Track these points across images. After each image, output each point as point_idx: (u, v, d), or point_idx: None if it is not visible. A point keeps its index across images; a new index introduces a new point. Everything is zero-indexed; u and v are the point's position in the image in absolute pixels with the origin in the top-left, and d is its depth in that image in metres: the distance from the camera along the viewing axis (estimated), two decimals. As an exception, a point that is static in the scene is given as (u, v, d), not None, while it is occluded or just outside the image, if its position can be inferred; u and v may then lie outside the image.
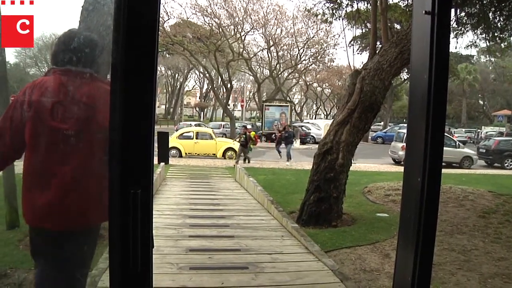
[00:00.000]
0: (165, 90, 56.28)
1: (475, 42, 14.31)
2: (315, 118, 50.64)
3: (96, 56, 2.18)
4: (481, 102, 55.40)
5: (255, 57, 33.21)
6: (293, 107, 35.79)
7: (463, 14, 10.19)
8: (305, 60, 32.88)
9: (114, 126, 1.39)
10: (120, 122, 1.38)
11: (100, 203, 2.15)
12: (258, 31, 29.47)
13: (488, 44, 12.36)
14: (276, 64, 32.82)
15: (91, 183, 2.10)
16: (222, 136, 25.06)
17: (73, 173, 2.04)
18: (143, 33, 1.37)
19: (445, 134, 20.71)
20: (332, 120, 7.89)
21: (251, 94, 52.35)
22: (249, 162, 16.55)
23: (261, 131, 29.20)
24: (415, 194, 1.70)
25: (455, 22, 9.99)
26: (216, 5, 26.37)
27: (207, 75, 35.87)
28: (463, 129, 38.59)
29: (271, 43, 30.38)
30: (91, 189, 2.11)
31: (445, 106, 1.65)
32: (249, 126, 24.05)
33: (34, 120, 2.07)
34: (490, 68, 46.49)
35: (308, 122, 35.19)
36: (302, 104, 55.79)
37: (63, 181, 2.04)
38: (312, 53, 32.26)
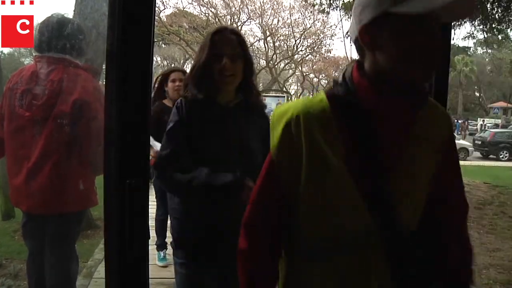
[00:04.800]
0: (161, 81, 55.98)
1: (472, 33, 14.27)
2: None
3: (71, 40, 2.18)
4: (477, 94, 55.48)
5: (251, 47, 33.03)
6: (289, 98, 35.70)
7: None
8: (301, 50, 32.73)
9: (110, 115, 1.36)
10: (116, 111, 1.34)
11: (72, 190, 2.17)
12: (254, 21, 29.33)
13: (485, 35, 12.32)
14: (273, 55, 32.66)
15: (59, 170, 2.12)
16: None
17: (38, 159, 2.08)
18: (140, 19, 1.33)
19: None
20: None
21: (247, 85, 52.07)
22: None
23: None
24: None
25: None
26: (213, -5, 26.15)
27: (203, 65, 35.55)
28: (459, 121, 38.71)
29: (268, 33, 30.23)
30: (58, 175, 2.12)
31: (446, 96, 1.62)
32: None
33: (7, 106, 2.15)
34: (487, 60, 46.56)
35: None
36: (299, 95, 55.56)
37: (31, 166, 2.08)
38: (309, 44, 32.11)
